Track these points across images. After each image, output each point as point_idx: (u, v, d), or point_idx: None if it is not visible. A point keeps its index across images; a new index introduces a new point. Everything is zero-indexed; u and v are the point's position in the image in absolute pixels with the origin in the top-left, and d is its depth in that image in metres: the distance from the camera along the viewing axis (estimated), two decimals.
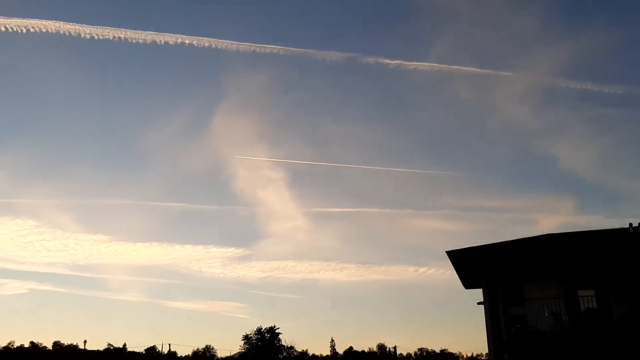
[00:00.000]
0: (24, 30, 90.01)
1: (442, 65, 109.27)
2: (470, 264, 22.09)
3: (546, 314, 19.24)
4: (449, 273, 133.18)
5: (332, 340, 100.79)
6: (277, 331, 49.84)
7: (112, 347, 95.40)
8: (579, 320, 19.62)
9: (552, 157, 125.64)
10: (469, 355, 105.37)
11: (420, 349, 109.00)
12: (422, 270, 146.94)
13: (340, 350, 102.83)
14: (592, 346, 18.22)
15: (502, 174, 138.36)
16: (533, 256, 20.79)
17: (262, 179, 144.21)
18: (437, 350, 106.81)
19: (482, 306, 23.04)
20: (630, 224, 22.50)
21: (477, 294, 25.03)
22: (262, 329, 49.85)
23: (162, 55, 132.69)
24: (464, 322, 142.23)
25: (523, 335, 18.98)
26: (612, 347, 18.23)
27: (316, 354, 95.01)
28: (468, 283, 26.01)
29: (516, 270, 21.32)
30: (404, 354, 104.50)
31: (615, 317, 19.65)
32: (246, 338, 50.45)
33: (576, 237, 22.20)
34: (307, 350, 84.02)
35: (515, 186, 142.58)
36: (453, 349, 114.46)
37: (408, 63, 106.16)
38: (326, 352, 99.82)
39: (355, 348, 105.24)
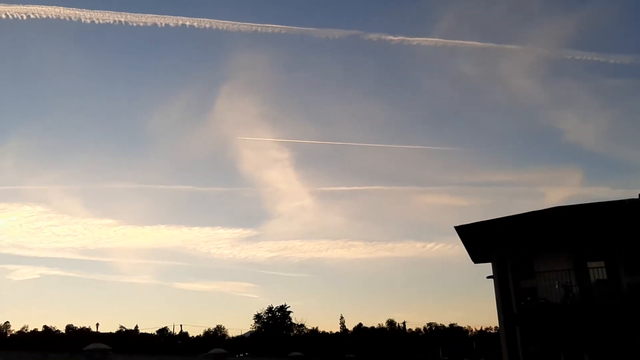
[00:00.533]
0: (24, 17, 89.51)
1: (446, 40, 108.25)
2: (479, 239, 22.09)
3: (556, 286, 19.30)
4: (457, 248, 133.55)
5: (342, 318, 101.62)
6: (287, 310, 50.28)
7: (124, 329, 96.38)
8: (590, 292, 19.67)
9: (559, 130, 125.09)
10: (478, 329, 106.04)
11: (430, 324, 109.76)
12: (429, 246, 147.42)
13: (350, 327, 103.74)
14: (603, 317, 18.29)
15: (508, 148, 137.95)
16: (542, 229, 20.77)
17: (267, 159, 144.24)
18: (447, 325, 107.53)
19: (491, 280, 23.10)
20: None
21: (486, 268, 25.06)
22: (272, 307, 50.29)
23: (163, 38, 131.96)
24: (473, 296, 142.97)
25: (534, 308, 19.08)
26: (622, 317, 18.30)
27: (326, 331, 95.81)
28: (477, 257, 26.02)
29: (526, 244, 21.30)
30: (413, 329, 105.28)
31: (625, 287, 19.69)
32: (258, 317, 50.84)
33: (585, 209, 22.15)
34: (317, 327, 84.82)
35: (521, 160, 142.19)
36: (462, 323, 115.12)
37: (411, 39, 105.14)
38: (336, 329, 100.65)
39: (364, 324, 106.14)
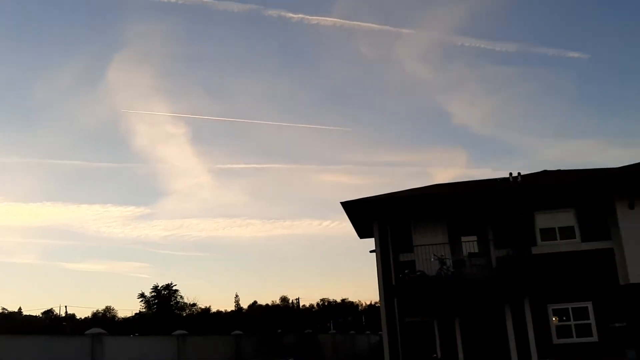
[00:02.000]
0: None
1: (345, 21, 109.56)
2: (363, 214, 22.70)
3: (432, 259, 20.24)
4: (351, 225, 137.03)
5: (237, 296, 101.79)
6: (174, 288, 48.97)
7: (6, 311, 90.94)
8: (462, 264, 20.89)
9: (448, 113, 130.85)
10: (368, 302, 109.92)
11: (323, 300, 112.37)
12: (326, 223, 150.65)
13: (245, 305, 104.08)
14: (474, 287, 19.50)
15: (401, 129, 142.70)
16: (421, 205, 21.69)
17: (162, 134, 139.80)
18: (339, 300, 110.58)
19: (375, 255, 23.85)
20: (510, 174, 24.02)
21: (373, 243, 25.80)
22: (158, 286, 48.79)
23: (52, 1, 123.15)
24: (364, 272, 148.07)
25: (411, 280, 19.91)
26: (491, 287, 19.61)
27: (221, 309, 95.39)
28: (362, 233, 26.78)
29: (406, 219, 22.16)
30: (307, 305, 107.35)
31: (494, 260, 21.07)
32: (142, 296, 49.19)
33: (460, 187, 23.42)
34: (209, 306, 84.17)
35: (413, 141, 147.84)
36: (353, 298, 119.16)
37: (311, 17, 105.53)
38: (231, 307, 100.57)
39: (259, 302, 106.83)
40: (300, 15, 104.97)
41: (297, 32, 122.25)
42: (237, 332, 29.63)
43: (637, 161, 22.45)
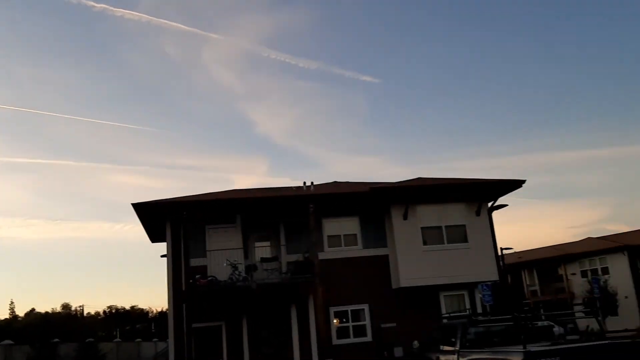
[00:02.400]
0: None
1: (151, 18, 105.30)
2: (156, 217, 22.02)
3: (225, 264, 20.30)
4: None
5: (12, 303, 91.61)
6: None
7: None
8: (254, 269, 21.29)
9: (251, 122, 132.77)
10: (159, 309, 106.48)
11: (110, 307, 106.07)
12: (118, 227, 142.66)
13: (21, 312, 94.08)
14: (264, 290, 19.98)
15: (204, 133, 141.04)
16: (216, 209, 21.66)
17: None
18: (127, 307, 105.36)
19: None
20: (304, 182, 25.22)
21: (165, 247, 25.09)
22: None
23: None
24: (156, 277, 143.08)
25: (201, 286, 19.71)
26: (279, 290, 20.30)
27: None
28: (155, 237, 25.95)
29: (200, 223, 21.96)
30: (92, 313, 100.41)
31: (285, 265, 21.86)
32: None
33: (256, 193, 23.91)
34: None
35: (217, 146, 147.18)
36: (144, 304, 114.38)
37: (115, 9, 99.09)
38: (5, 315, 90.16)
39: (38, 309, 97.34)
40: (103, 6, 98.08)
41: (99, 22, 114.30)
42: (7, 342, 26.77)
43: (412, 177, 25.13)
